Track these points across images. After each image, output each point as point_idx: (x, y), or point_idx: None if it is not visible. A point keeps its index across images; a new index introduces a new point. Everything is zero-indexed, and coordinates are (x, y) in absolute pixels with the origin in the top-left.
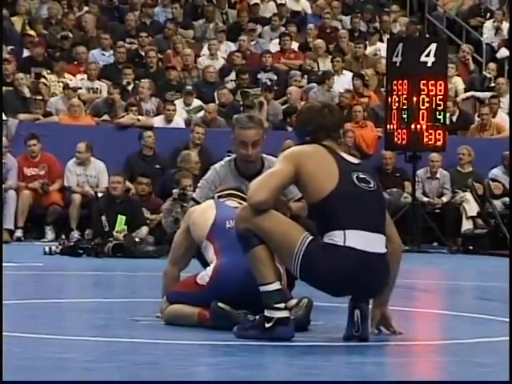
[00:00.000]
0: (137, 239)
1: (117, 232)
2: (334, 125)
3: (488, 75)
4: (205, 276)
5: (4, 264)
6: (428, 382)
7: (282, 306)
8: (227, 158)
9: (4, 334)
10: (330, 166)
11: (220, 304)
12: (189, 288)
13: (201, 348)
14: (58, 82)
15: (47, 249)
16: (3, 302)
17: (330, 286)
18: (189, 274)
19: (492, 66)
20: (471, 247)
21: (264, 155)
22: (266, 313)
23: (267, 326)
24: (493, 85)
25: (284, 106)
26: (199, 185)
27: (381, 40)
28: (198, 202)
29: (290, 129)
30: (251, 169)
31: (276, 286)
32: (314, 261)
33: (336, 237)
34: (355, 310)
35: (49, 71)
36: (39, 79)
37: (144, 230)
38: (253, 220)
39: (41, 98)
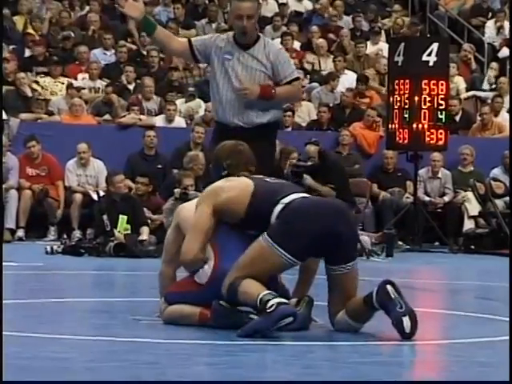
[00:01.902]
0: (139, 239)
1: (119, 232)
2: (250, 159)
3: (490, 74)
4: (203, 274)
5: (5, 263)
6: (430, 382)
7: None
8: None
9: (5, 333)
10: (242, 181)
11: (221, 302)
12: (187, 288)
13: (202, 348)
14: (55, 82)
15: (49, 248)
16: (4, 302)
17: (315, 229)
18: (184, 274)
19: (494, 65)
20: (473, 247)
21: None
22: (267, 307)
23: (269, 310)
24: (494, 86)
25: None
26: (198, 37)
27: (386, 40)
28: (190, 43)
29: (288, 129)
30: (247, 39)
31: (266, 291)
32: (289, 231)
33: (277, 208)
34: (387, 286)
35: (42, 75)
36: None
37: (145, 230)
38: (233, 276)
39: (42, 97)
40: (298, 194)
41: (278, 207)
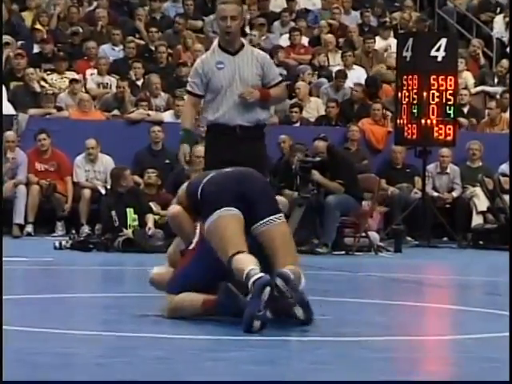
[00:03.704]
0: (148, 232)
1: (129, 226)
2: None
3: (499, 69)
4: (194, 239)
5: (15, 259)
6: (438, 382)
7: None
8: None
9: (14, 328)
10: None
11: (229, 284)
12: (183, 264)
13: (211, 343)
14: (62, 78)
15: (57, 244)
16: (14, 297)
17: (227, 195)
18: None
19: (503, 60)
20: (481, 242)
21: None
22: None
23: (251, 293)
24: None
25: (292, 102)
26: (189, 78)
27: (394, 36)
28: (194, 94)
29: (296, 124)
30: (232, 44)
31: (250, 266)
32: (215, 198)
33: (199, 188)
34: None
35: (49, 72)
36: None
37: (150, 217)
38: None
39: (51, 91)
40: (216, 171)
41: (200, 186)
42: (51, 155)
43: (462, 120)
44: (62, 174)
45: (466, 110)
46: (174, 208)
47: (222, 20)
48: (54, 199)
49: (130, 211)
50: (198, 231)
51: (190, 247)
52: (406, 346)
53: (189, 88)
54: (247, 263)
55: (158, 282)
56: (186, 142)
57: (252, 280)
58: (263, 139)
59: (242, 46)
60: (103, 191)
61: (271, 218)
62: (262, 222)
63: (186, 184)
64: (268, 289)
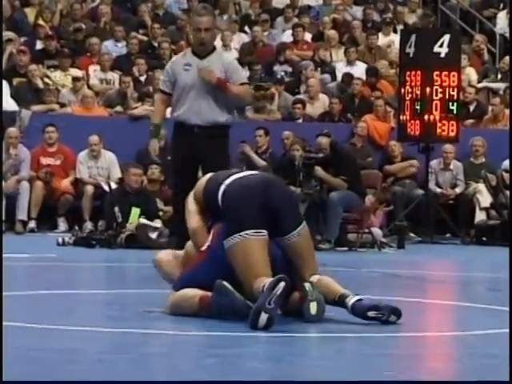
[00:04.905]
0: (152, 227)
1: (131, 223)
2: None
3: (502, 65)
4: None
5: (17, 255)
6: (441, 382)
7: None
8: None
9: (16, 325)
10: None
11: (224, 282)
12: (192, 265)
13: (214, 339)
14: (65, 75)
15: (60, 240)
16: (16, 293)
17: (253, 207)
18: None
19: (506, 57)
20: (484, 238)
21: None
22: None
23: (263, 290)
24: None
25: (294, 98)
26: (161, 77)
27: (394, 31)
28: (163, 91)
29: (299, 121)
30: (204, 50)
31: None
32: (238, 215)
33: (220, 190)
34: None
35: (52, 69)
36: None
37: (158, 222)
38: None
39: (55, 87)
40: (238, 175)
41: (221, 188)
42: (58, 149)
43: (468, 120)
44: (68, 169)
45: (472, 107)
46: (160, 254)
47: (196, 31)
48: (57, 191)
49: (135, 211)
50: (210, 237)
51: (202, 249)
52: (408, 343)
53: (160, 86)
54: (266, 280)
55: (161, 265)
56: (154, 136)
57: (266, 283)
58: (224, 138)
59: (213, 50)
60: (106, 188)
61: (296, 231)
62: (287, 237)
63: (205, 178)
64: (282, 284)
